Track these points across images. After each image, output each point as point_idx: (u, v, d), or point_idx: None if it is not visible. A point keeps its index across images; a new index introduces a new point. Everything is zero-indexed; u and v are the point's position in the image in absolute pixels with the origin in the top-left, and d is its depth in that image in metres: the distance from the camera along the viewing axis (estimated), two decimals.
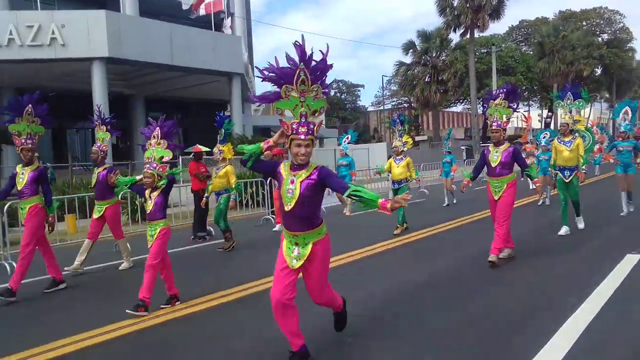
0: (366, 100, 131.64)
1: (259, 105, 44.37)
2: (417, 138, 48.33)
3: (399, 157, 9.91)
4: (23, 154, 6.12)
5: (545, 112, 60.81)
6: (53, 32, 18.56)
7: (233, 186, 8.69)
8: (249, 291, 5.96)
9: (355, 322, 4.51)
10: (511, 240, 6.90)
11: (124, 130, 26.55)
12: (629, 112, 10.53)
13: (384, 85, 62.36)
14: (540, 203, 12.85)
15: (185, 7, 24.64)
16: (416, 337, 4.34)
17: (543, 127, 49.33)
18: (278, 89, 3.55)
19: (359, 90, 72.08)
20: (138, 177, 5.83)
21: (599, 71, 60.25)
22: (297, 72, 3.48)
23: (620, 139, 10.25)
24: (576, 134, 8.69)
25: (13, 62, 19.02)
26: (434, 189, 17.71)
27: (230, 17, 27.16)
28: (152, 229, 5.36)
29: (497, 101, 6.87)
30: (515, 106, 7.04)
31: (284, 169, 3.70)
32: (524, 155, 12.78)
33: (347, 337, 4.32)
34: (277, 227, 10.62)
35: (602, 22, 65.26)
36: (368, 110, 70.72)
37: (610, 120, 56.22)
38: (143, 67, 21.63)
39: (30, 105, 6.10)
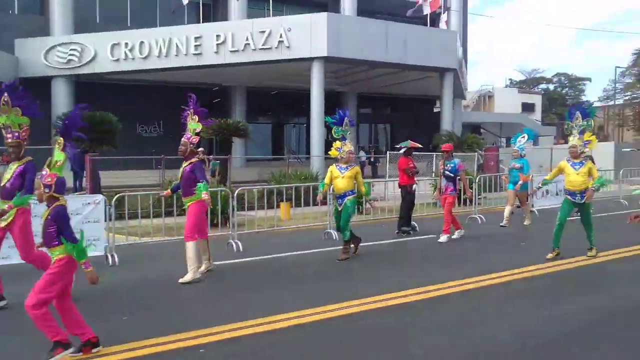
0: (592, 95, 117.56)
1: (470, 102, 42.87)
2: None
3: (578, 160, 7.54)
4: (9, 149, 5.41)
5: None
6: (281, 36, 20.34)
7: (363, 191, 8.21)
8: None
9: None
10: None
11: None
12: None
13: (617, 78, 54.71)
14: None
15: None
16: None
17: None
18: None
19: (584, 84, 64.71)
20: None
21: None
22: None
23: None
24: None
25: (246, 64, 21.40)
26: None
27: (446, 12, 26.61)
28: None
29: None
30: None
31: None
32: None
33: None
34: (456, 234, 9.62)
35: None
36: (594, 106, 63.09)
37: None
38: (359, 64, 22.44)
39: (5, 94, 5.18)
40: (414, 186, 10.32)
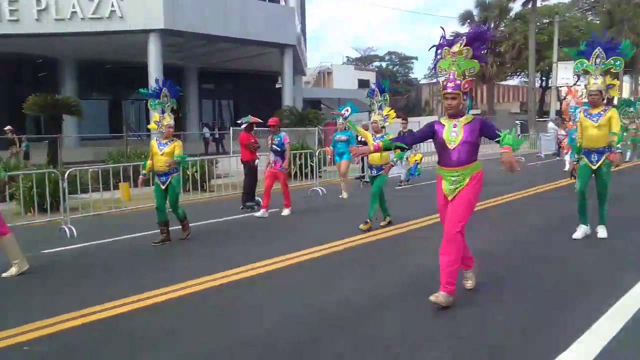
0: (419, 72, 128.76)
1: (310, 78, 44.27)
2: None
3: (379, 135, 7.66)
4: None
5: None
6: (112, 5, 19.01)
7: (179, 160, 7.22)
8: (297, 260, 6.02)
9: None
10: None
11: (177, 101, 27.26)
12: None
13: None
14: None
15: None
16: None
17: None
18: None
19: (412, 63, 70.52)
20: None
21: None
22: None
23: None
24: (608, 106, 6.53)
25: (75, 34, 19.67)
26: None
27: None
28: None
29: (455, 48, 4.41)
30: (484, 57, 5.09)
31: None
32: (562, 134, 11.98)
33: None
34: (261, 213, 9.28)
35: None
36: (421, 83, 69.27)
37: None
38: (198, 38, 21.92)
39: None
40: (256, 161, 10.53)
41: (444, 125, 4.40)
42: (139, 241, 7.53)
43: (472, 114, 4.59)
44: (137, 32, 19.55)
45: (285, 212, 9.49)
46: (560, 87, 42.70)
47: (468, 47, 4.34)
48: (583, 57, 6.55)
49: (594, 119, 6.39)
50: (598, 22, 51.81)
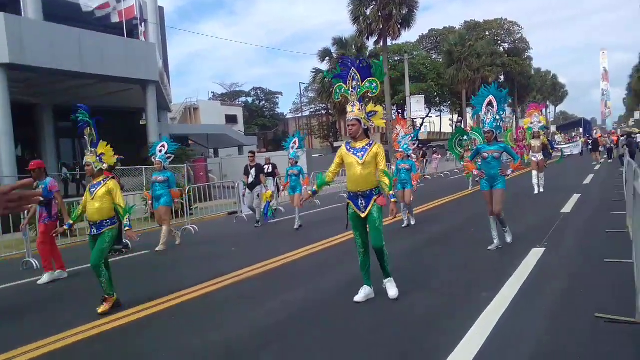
0: (285, 107, 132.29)
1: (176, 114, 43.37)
2: (336, 144, 49.06)
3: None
4: None
5: (455, 116, 64.02)
6: None
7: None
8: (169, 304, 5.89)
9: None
10: None
11: (30, 140, 25.10)
12: (494, 102, 7.78)
13: (302, 93, 63.15)
14: (404, 225, 10.58)
15: (86, 9, 23.49)
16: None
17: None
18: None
19: (277, 98, 72.33)
20: None
21: (502, 78, 64.55)
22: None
23: (486, 141, 7.66)
24: (372, 141, 5.33)
25: None
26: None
27: (143, 24, 26.40)
28: None
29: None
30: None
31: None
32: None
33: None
34: (45, 278, 7.73)
35: (502, 32, 70.22)
36: (287, 117, 71.12)
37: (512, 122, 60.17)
38: (51, 74, 20.52)
39: None
40: None
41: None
42: None
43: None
44: None
45: (46, 277, 7.69)
46: (415, 118, 46.53)
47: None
48: (341, 80, 5.56)
49: (358, 154, 5.27)
50: (441, 60, 57.86)
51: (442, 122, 72.35)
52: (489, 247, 7.66)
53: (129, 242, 10.08)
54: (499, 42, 68.77)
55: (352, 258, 6.27)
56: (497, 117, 7.68)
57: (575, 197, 13.28)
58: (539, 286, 5.55)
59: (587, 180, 18.60)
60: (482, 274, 6.35)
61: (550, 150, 23.25)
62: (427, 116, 60.41)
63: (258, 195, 12.87)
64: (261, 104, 70.24)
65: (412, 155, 11.34)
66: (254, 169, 13.24)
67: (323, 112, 61.85)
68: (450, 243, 8.58)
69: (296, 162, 12.13)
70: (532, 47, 77.91)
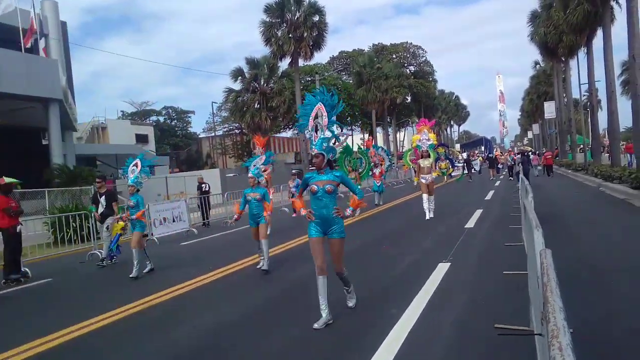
0: (197, 126, 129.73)
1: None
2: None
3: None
4: None
5: (366, 135, 66.05)
6: None
7: None
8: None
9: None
10: None
11: None
12: (323, 112, 5.64)
13: (215, 112, 62.55)
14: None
15: None
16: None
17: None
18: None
19: (189, 117, 71.07)
20: None
21: (409, 99, 67.82)
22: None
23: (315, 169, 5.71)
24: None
25: None
26: None
27: (43, 39, 25.05)
28: None
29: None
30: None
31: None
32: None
33: None
34: None
35: (408, 55, 74.02)
36: (200, 136, 69.95)
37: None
38: None
39: None
40: (19, 227, 9.50)
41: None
42: None
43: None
44: None
45: None
46: None
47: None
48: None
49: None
50: (351, 81, 59.86)
51: (353, 141, 74.45)
52: (315, 325, 5.20)
53: (27, 271, 9.49)
54: (406, 64, 72.36)
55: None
56: (328, 133, 5.56)
57: (478, 213, 14.22)
58: (445, 299, 5.93)
59: (489, 196, 19.93)
60: (391, 289, 6.64)
61: (450, 169, 24.42)
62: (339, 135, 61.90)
63: (107, 228, 11.07)
64: (173, 123, 68.62)
65: (263, 181, 9.30)
66: (103, 196, 11.39)
67: (237, 131, 61.50)
68: (363, 260, 8.89)
69: (258, 183, 9.03)
70: (436, 70, 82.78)
